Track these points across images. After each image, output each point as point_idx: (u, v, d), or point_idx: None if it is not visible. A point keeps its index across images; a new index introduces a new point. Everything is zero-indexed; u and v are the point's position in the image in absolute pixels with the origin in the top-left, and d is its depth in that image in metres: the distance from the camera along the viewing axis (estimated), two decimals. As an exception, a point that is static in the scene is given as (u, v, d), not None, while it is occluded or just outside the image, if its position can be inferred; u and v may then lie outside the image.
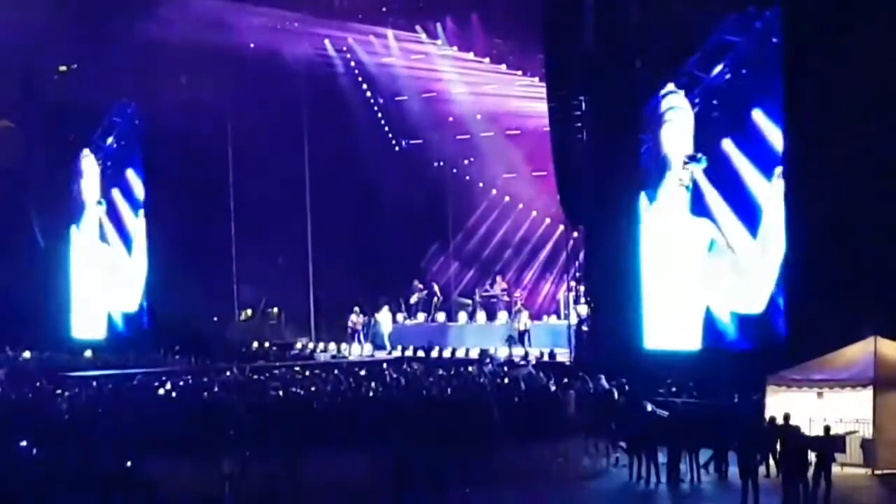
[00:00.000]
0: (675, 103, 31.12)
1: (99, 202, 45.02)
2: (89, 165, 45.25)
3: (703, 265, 30.59)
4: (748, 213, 29.57)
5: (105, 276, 44.89)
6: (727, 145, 29.91)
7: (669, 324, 31.57)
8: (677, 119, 31.11)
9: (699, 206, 30.62)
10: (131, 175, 43.85)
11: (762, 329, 29.33)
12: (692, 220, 30.79)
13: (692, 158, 30.65)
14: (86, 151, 45.57)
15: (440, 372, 33.45)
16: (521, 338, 37.38)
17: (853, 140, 27.18)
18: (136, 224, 43.85)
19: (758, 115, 29.20)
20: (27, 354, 42.29)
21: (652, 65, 31.91)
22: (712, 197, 30.26)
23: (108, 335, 44.74)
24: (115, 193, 44.35)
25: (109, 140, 44.38)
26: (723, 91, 30.07)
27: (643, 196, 32.13)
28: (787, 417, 21.32)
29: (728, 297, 30.10)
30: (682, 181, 30.83)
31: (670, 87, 31.20)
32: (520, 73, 40.64)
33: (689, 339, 30.94)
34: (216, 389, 30.79)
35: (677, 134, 31.12)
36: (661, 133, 31.55)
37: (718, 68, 30.07)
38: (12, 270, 46.55)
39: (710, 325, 30.47)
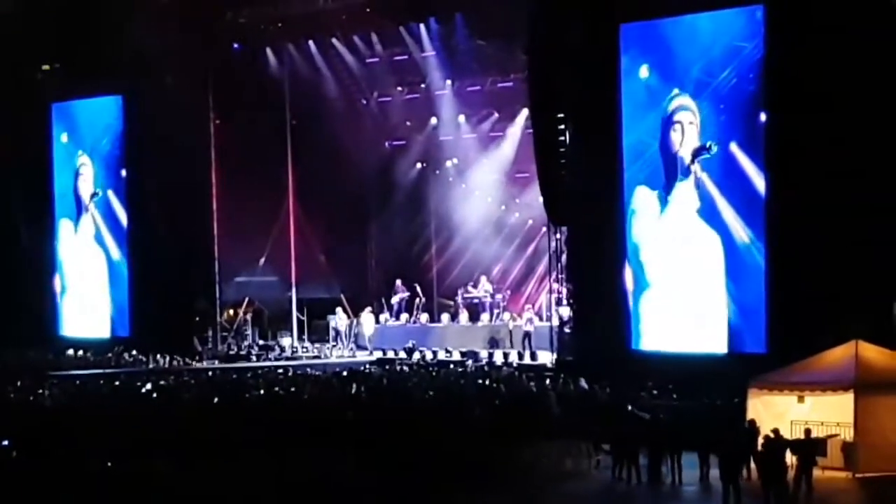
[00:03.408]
0: (682, 103, 30.97)
1: (93, 199, 44.63)
2: (84, 164, 44.96)
3: (712, 268, 30.43)
4: (754, 216, 29.55)
5: (97, 275, 44.62)
6: (734, 148, 29.92)
7: (676, 326, 31.50)
8: (685, 120, 30.91)
9: (708, 210, 30.43)
10: (123, 175, 43.58)
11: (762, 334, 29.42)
12: (701, 224, 30.60)
13: (701, 150, 30.46)
14: (80, 151, 45.25)
15: (422, 372, 33.52)
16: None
17: (837, 144, 27.39)
18: (127, 223, 43.58)
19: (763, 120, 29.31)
20: (9, 352, 42.11)
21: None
22: (720, 200, 30.18)
23: (98, 334, 44.45)
24: (110, 194, 44.10)
25: (104, 141, 44.09)
26: (730, 95, 29.94)
27: (654, 197, 31.77)
28: (776, 431, 21.43)
29: (730, 301, 30.15)
30: (696, 175, 30.63)
31: (675, 90, 31.08)
32: (503, 73, 40.71)
33: (691, 342, 31.03)
34: (198, 389, 30.80)
35: (686, 134, 30.91)
36: (670, 134, 31.29)
37: (725, 73, 29.96)
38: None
39: (719, 327, 30.44)
